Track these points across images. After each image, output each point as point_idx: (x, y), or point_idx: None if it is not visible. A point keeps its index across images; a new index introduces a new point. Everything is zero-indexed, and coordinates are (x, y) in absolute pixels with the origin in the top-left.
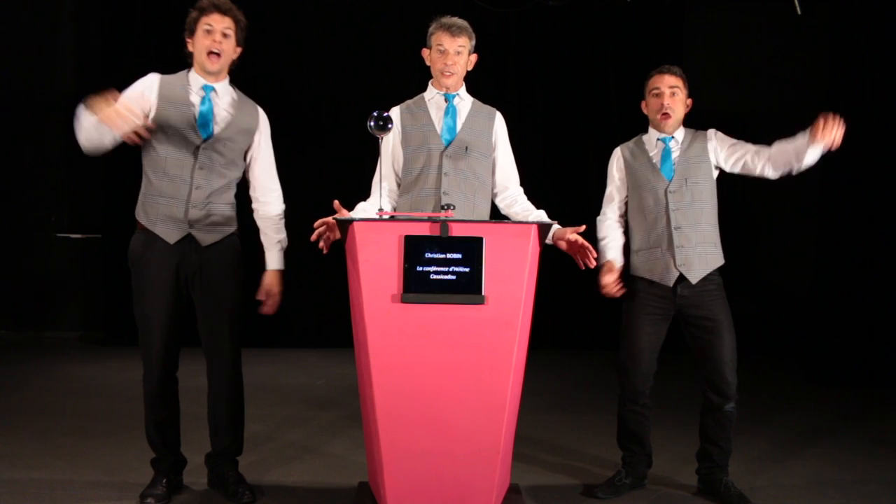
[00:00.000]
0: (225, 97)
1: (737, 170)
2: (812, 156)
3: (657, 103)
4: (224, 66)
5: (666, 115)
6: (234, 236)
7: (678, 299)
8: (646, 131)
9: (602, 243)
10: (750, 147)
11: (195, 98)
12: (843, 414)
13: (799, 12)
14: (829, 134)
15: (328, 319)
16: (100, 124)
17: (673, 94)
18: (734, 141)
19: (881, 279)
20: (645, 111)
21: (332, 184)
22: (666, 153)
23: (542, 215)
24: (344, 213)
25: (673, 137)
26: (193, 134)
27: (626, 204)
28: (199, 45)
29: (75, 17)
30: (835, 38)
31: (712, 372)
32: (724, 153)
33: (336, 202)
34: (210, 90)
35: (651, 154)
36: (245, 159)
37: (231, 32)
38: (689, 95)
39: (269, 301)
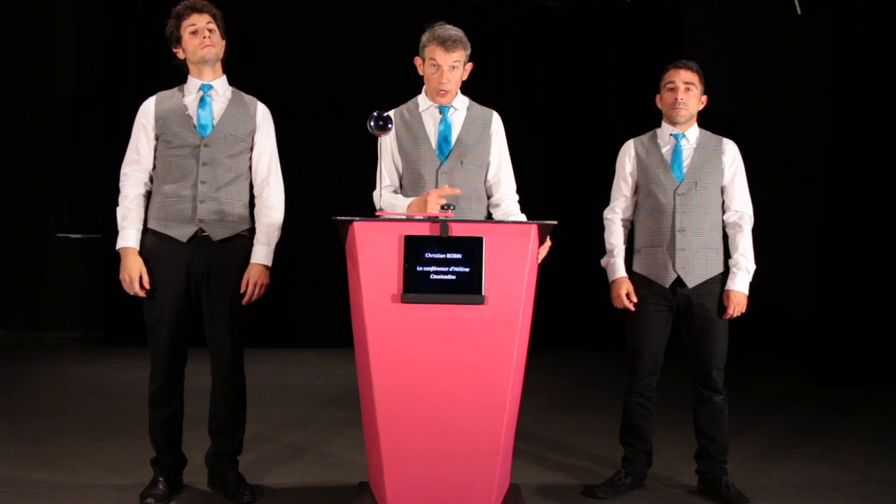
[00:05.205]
0: (223, 94)
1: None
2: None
3: (671, 97)
4: (219, 56)
5: (679, 109)
6: (246, 238)
7: (679, 297)
8: (659, 125)
9: (612, 260)
10: (732, 204)
11: (191, 99)
12: (844, 414)
13: (799, 12)
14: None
15: (328, 319)
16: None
17: (687, 89)
18: (738, 179)
19: (881, 279)
20: (659, 105)
21: (331, 185)
22: (677, 150)
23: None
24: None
25: (685, 136)
26: (192, 134)
27: (636, 202)
28: (189, 46)
29: (75, 17)
30: (835, 38)
31: (701, 366)
32: (725, 179)
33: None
34: (209, 88)
35: (664, 150)
36: (251, 152)
37: (214, 27)
38: (703, 93)
39: (247, 292)
